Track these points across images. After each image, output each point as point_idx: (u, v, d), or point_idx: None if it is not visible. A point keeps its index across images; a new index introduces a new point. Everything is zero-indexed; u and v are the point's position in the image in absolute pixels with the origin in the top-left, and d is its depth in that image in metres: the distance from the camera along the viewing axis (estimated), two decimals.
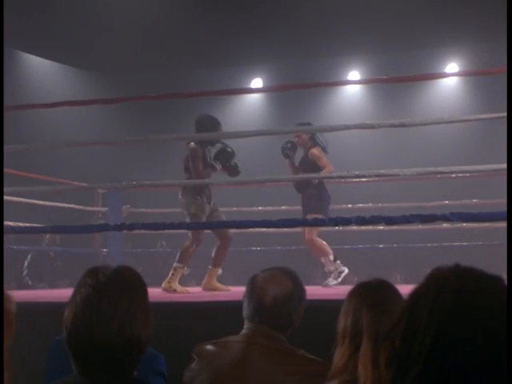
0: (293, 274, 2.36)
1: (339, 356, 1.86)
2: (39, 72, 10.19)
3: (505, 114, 4.50)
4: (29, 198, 7.17)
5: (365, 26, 9.39)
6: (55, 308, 3.82)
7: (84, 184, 7.22)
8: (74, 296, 1.63)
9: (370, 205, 8.00)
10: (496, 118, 4.68)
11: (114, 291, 1.61)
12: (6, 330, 1.05)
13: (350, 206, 8.02)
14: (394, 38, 9.72)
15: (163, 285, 5.52)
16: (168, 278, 5.58)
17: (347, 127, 4.27)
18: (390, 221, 3.78)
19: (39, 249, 8.11)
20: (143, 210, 8.22)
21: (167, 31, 9.46)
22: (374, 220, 3.76)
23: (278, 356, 2.19)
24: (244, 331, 2.27)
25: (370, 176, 3.98)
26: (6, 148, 6.33)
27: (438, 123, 4.56)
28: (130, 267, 1.71)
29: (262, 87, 10.88)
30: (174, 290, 5.45)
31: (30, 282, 7.85)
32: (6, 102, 7.49)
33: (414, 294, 1.01)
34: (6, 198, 6.94)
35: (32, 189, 6.77)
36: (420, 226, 7.08)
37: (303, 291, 2.34)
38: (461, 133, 9.41)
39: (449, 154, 9.09)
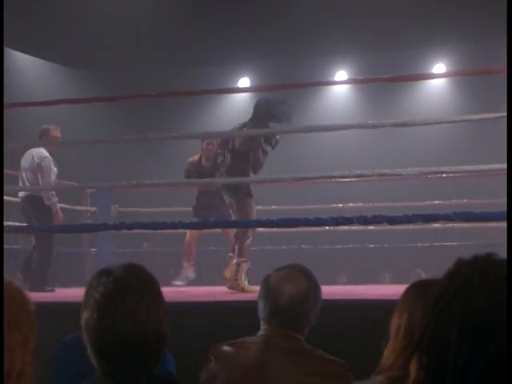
0: (307, 272, 2.33)
1: (389, 351, 1.83)
2: (28, 70, 10.09)
3: (498, 114, 4.51)
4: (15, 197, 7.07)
5: (352, 25, 9.38)
6: (53, 308, 3.79)
7: (75, 184, 7.15)
8: (90, 296, 1.61)
9: (351, 204, 7.95)
10: (492, 118, 4.67)
11: (135, 287, 1.60)
12: (30, 330, 1.01)
13: (335, 205, 8.00)
14: (381, 37, 9.72)
15: (229, 283, 5.35)
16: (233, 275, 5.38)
17: (350, 127, 4.25)
18: (392, 220, 3.77)
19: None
20: (132, 209, 8.16)
21: (156, 30, 9.41)
22: (376, 220, 3.74)
23: (297, 357, 2.17)
24: (261, 332, 2.24)
25: (372, 175, 3.97)
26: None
27: (440, 123, 4.55)
28: (140, 265, 1.70)
29: (250, 86, 10.85)
30: (242, 289, 5.23)
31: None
32: None
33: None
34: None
35: (15, 188, 6.68)
36: (411, 226, 7.07)
37: (319, 289, 2.31)
38: (449, 133, 9.43)
39: (437, 154, 9.10)
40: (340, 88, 10.84)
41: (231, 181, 5.71)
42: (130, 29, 9.21)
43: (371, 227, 7.21)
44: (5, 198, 6.23)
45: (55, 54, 10.05)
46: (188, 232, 6.54)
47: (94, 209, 7.89)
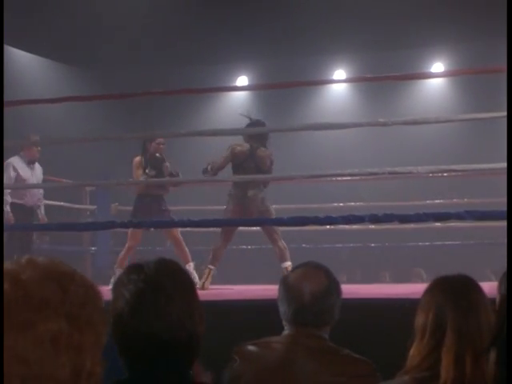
0: (325, 268, 2.30)
1: (417, 351, 1.81)
2: (27, 67, 10.04)
3: (498, 113, 4.50)
4: None
5: (351, 24, 9.39)
6: None
7: (74, 182, 7.11)
8: (119, 294, 1.55)
9: (341, 204, 7.95)
10: (492, 117, 4.66)
11: (167, 284, 1.53)
12: (103, 328, 0.97)
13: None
14: (380, 37, 9.73)
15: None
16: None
17: (358, 125, 4.22)
18: (403, 219, 3.75)
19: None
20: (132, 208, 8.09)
21: (153, 29, 9.38)
22: (388, 218, 3.73)
23: (324, 356, 2.14)
24: (286, 332, 2.22)
25: (383, 174, 3.96)
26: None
27: (452, 121, 4.53)
28: (172, 260, 1.63)
29: (248, 85, 10.84)
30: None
31: None
32: None
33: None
34: None
35: (17, 186, 6.68)
36: (411, 225, 7.06)
37: (338, 284, 2.28)
38: (447, 132, 9.43)
39: (437, 152, 9.10)
40: (338, 87, 10.85)
41: (240, 178, 5.71)
42: (129, 28, 9.18)
43: (372, 226, 7.21)
44: None
45: (54, 51, 10.00)
46: (132, 236, 6.35)
47: (93, 207, 7.85)
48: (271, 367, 2.14)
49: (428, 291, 1.90)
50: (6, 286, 0.93)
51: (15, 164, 6.64)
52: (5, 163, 6.44)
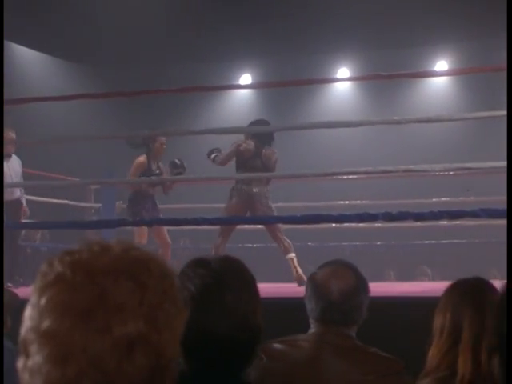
0: (352, 266, 2.29)
1: (436, 351, 1.82)
2: (31, 64, 10.01)
3: (501, 113, 4.48)
4: None
5: (355, 22, 9.37)
6: None
7: (79, 180, 7.09)
8: (183, 287, 1.51)
9: (357, 202, 7.95)
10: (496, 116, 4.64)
11: (234, 282, 1.53)
12: (181, 321, 0.93)
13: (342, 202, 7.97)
14: (383, 35, 9.71)
15: None
16: None
17: (372, 122, 4.21)
18: (418, 217, 3.74)
19: (33, 245, 7.96)
20: None
21: (156, 27, 9.35)
22: (402, 216, 3.71)
23: (352, 354, 2.12)
24: (313, 330, 2.20)
25: (397, 172, 3.94)
26: None
27: (465, 119, 4.51)
28: (237, 258, 1.63)
29: (251, 83, 10.82)
30: None
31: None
32: None
33: None
34: None
35: (25, 183, 6.67)
36: (418, 224, 7.03)
37: (366, 282, 2.27)
38: (450, 131, 9.40)
39: (440, 152, 9.08)
40: (342, 85, 10.83)
41: (247, 176, 5.70)
42: (133, 25, 9.16)
43: (377, 224, 7.19)
44: None
45: (57, 48, 9.98)
46: (140, 233, 6.38)
47: (98, 205, 7.82)
48: (299, 365, 2.12)
49: (446, 293, 1.96)
50: (79, 277, 0.85)
51: None
52: None
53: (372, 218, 3.79)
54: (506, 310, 1.52)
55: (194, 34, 9.59)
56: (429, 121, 3.92)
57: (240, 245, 7.80)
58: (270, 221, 4.52)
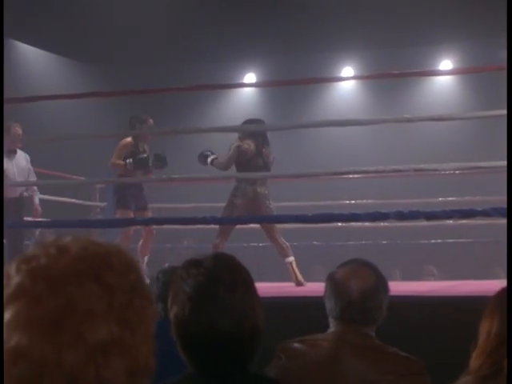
0: (372, 265, 2.29)
1: (479, 353, 1.81)
2: (35, 63, 10.00)
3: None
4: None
5: (359, 21, 9.35)
6: None
7: (84, 179, 7.09)
8: (179, 289, 1.54)
9: (353, 202, 7.93)
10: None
11: (227, 278, 1.53)
12: (153, 317, 0.89)
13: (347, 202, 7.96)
14: (387, 34, 9.69)
15: None
16: None
17: (383, 120, 4.20)
18: (429, 216, 3.73)
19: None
20: None
21: (162, 27, 9.34)
22: (413, 215, 3.71)
23: (371, 354, 2.12)
24: (332, 329, 2.20)
25: (408, 171, 3.93)
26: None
27: (477, 118, 4.49)
28: (229, 255, 1.63)
29: (255, 82, 10.82)
30: None
31: None
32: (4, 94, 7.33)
33: None
34: None
35: (29, 182, 6.64)
36: (423, 223, 7.02)
37: (386, 281, 2.27)
38: (453, 130, 9.39)
39: (441, 150, 9.07)
40: (346, 84, 10.82)
41: (250, 175, 5.69)
42: (137, 26, 9.15)
43: (382, 223, 7.18)
44: None
45: (63, 47, 9.96)
46: (124, 234, 6.38)
47: (103, 204, 7.82)
48: (318, 365, 2.12)
49: (495, 298, 1.93)
50: (40, 287, 0.80)
51: None
52: None
53: (383, 217, 3.79)
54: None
55: (199, 33, 9.57)
56: (440, 119, 3.91)
57: (245, 244, 7.82)
58: (280, 220, 4.51)
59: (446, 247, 8.27)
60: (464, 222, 6.89)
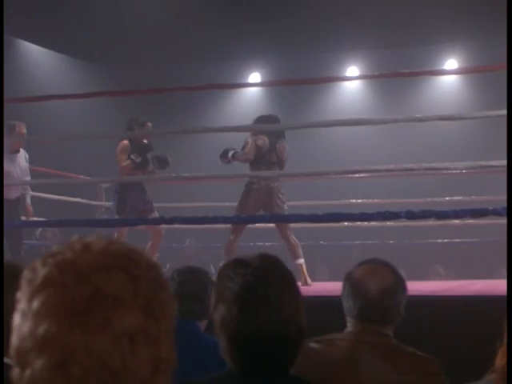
0: (390, 265, 2.28)
1: (505, 350, 1.79)
2: (41, 62, 9.99)
3: None
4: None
5: (364, 21, 9.34)
6: None
7: (90, 178, 7.07)
8: (225, 288, 1.53)
9: (360, 201, 7.94)
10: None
11: (276, 279, 1.52)
12: (173, 314, 0.91)
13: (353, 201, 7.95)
14: (392, 33, 9.68)
15: None
16: None
17: (394, 120, 4.19)
18: (440, 215, 3.72)
19: (45, 244, 7.93)
20: None
21: (167, 26, 9.33)
22: (424, 214, 3.69)
23: (389, 354, 2.11)
24: (350, 329, 2.18)
25: (419, 170, 3.92)
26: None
27: (488, 117, 4.48)
28: (275, 256, 1.62)
29: (260, 82, 10.81)
30: None
31: None
32: (9, 93, 7.32)
33: None
34: None
35: (34, 181, 6.63)
36: (429, 222, 7.01)
37: (404, 281, 2.25)
38: (457, 129, 9.37)
39: (447, 151, 9.06)
40: (351, 84, 10.81)
41: (259, 174, 5.69)
42: (143, 25, 9.15)
43: (389, 223, 7.17)
44: None
45: (67, 45, 9.96)
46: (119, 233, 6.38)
47: (109, 203, 7.79)
48: (336, 364, 2.10)
49: None
50: (68, 277, 0.83)
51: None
52: None
53: (394, 216, 3.77)
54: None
55: (204, 33, 9.57)
56: (451, 118, 3.90)
57: (251, 244, 7.79)
58: (291, 220, 4.49)
59: (452, 247, 8.26)
60: (470, 221, 6.89)
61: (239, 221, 5.26)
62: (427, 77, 9.62)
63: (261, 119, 5.93)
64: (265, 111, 10.36)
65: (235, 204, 5.90)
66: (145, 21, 9.10)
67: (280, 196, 5.75)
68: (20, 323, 0.83)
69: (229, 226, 5.99)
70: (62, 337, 0.81)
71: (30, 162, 6.63)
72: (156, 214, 6.32)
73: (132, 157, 6.15)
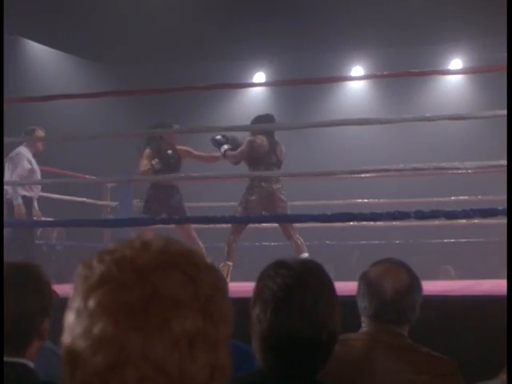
0: (405, 265, 2.27)
1: None
2: (46, 61, 10.00)
3: None
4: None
5: (369, 20, 9.33)
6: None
7: (95, 178, 7.07)
8: (265, 286, 1.54)
9: (364, 200, 7.93)
10: None
11: (314, 284, 1.55)
12: (231, 317, 0.88)
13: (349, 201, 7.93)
14: (398, 32, 9.66)
15: None
16: None
17: (404, 120, 4.18)
18: (449, 215, 3.71)
19: (49, 243, 7.94)
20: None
21: (171, 25, 9.32)
22: (434, 214, 3.68)
23: (404, 354, 2.10)
24: (364, 329, 2.18)
25: (428, 169, 3.90)
26: (15, 139, 6.24)
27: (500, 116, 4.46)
28: (316, 261, 1.65)
29: (265, 82, 10.79)
30: None
31: None
32: (14, 92, 7.33)
33: None
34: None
35: (43, 181, 6.65)
36: (436, 222, 7.00)
37: (419, 280, 2.25)
38: (457, 130, 9.34)
39: (454, 150, 9.04)
40: (356, 84, 10.80)
41: (264, 173, 5.67)
42: (147, 24, 9.14)
43: (396, 223, 7.15)
44: None
45: (74, 45, 9.96)
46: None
47: (115, 203, 7.80)
48: (350, 364, 2.09)
49: None
50: (127, 275, 0.79)
51: (28, 155, 6.48)
52: (15, 153, 6.37)
53: (404, 216, 3.76)
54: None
55: (208, 32, 9.56)
56: (460, 118, 3.89)
57: (257, 243, 7.80)
58: (298, 220, 4.48)
59: (458, 246, 8.24)
60: (475, 221, 6.87)
61: (245, 221, 5.24)
62: (432, 76, 9.61)
63: (258, 119, 5.79)
64: (269, 111, 10.34)
65: (236, 204, 5.85)
66: (150, 21, 9.09)
67: (281, 197, 5.69)
68: (74, 322, 0.80)
69: (229, 226, 5.96)
70: (119, 337, 0.77)
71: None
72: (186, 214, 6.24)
73: (153, 162, 6.08)
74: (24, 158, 6.40)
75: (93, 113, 9.52)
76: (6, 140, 5.04)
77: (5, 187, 6.20)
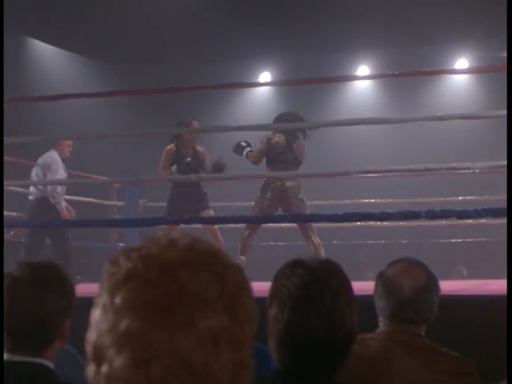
0: (423, 264, 2.26)
1: None
2: (52, 60, 10.00)
3: None
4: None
5: (374, 20, 9.32)
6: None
7: (103, 178, 7.07)
8: (282, 285, 1.53)
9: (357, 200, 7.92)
10: None
11: (332, 283, 1.53)
12: (256, 316, 0.88)
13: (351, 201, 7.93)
14: (402, 33, 9.66)
15: None
16: None
17: (414, 119, 4.17)
18: (461, 215, 3.69)
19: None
20: (161, 204, 8.04)
21: (177, 26, 9.33)
22: (445, 214, 3.67)
23: (422, 354, 2.09)
24: (382, 329, 2.17)
25: (440, 169, 3.89)
26: (20, 139, 6.24)
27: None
28: (334, 261, 1.63)
29: (270, 81, 10.79)
30: None
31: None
32: (20, 92, 7.34)
33: None
34: (20, 190, 6.82)
35: (47, 182, 6.63)
36: (443, 222, 6.99)
37: (437, 280, 2.24)
38: (467, 129, 9.34)
39: (457, 150, 9.03)
40: (362, 83, 10.78)
41: (272, 175, 5.67)
42: (154, 25, 9.15)
43: (402, 223, 7.14)
44: (15, 189, 6.45)
45: (80, 45, 9.97)
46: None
47: (121, 203, 7.79)
48: (368, 365, 2.08)
49: None
50: (153, 272, 0.80)
51: (61, 162, 6.46)
52: (53, 160, 6.32)
53: (415, 215, 3.75)
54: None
55: (214, 32, 9.56)
56: (471, 117, 3.88)
57: (272, 243, 7.78)
58: (310, 219, 4.47)
59: (471, 246, 8.22)
60: (484, 221, 6.86)
61: (259, 221, 5.23)
62: (438, 76, 9.60)
63: (280, 117, 5.83)
64: (275, 110, 10.34)
65: (252, 204, 5.86)
66: (156, 21, 9.10)
67: (296, 195, 5.69)
68: (100, 318, 0.80)
69: (239, 226, 5.95)
70: (145, 333, 0.78)
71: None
72: (211, 213, 6.18)
73: (172, 168, 6.06)
74: (60, 167, 6.41)
75: (98, 112, 9.52)
76: (21, 140, 5.04)
77: (47, 192, 6.23)
